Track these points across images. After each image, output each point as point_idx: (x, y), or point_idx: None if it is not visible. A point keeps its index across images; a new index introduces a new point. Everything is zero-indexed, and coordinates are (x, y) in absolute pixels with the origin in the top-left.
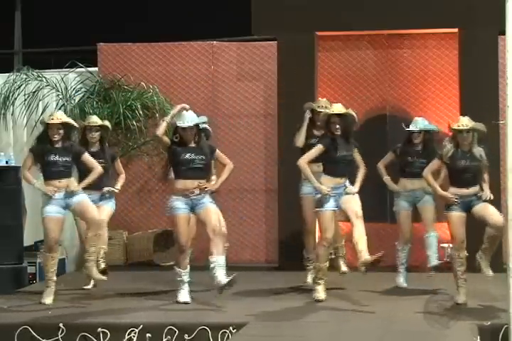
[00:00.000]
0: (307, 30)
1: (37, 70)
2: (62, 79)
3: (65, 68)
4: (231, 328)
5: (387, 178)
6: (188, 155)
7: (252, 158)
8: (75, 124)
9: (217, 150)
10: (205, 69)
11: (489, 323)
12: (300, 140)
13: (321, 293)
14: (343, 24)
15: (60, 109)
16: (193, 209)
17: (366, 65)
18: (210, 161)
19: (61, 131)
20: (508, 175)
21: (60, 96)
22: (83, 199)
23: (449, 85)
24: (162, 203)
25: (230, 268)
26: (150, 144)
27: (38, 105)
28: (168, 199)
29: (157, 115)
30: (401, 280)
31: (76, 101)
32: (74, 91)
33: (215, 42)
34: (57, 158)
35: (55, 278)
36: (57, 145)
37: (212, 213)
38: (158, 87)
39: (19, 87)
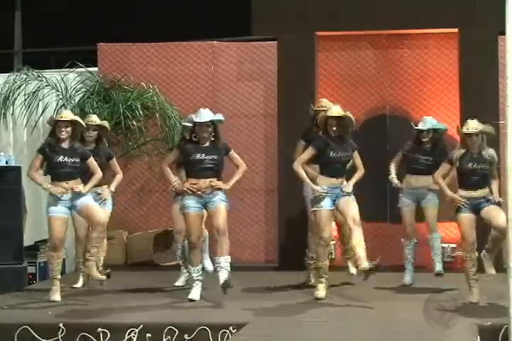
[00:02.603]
0: (307, 30)
1: (37, 70)
2: (62, 79)
3: (65, 68)
4: (231, 328)
5: (392, 177)
6: (198, 156)
7: (252, 158)
8: (83, 123)
9: (231, 151)
10: (205, 69)
11: (489, 323)
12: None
13: (321, 291)
14: (343, 24)
15: (60, 109)
16: (205, 206)
17: (366, 65)
18: (222, 161)
19: (69, 129)
20: (507, 176)
21: (60, 96)
22: (89, 201)
23: (449, 85)
24: (162, 203)
25: (230, 268)
26: (150, 144)
27: (38, 105)
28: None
29: (157, 115)
30: (406, 278)
31: (76, 101)
32: (74, 91)
33: (215, 42)
34: (66, 159)
35: (59, 276)
36: (64, 146)
37: (220, 212)
38: (158, 87)
39: (19, 87)
